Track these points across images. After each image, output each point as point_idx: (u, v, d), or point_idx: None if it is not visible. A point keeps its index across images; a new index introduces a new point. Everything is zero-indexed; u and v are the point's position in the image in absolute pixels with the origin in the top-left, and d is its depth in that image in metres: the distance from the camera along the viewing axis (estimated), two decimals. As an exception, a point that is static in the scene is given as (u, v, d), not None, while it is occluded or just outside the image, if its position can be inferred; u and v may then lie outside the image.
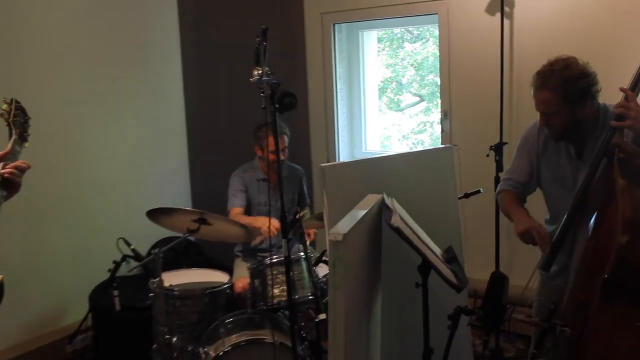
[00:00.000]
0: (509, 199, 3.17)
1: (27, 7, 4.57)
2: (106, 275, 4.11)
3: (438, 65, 5.00)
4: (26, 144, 2.42)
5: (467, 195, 3.84)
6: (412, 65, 5.97)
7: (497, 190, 3.35)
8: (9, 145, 2.33)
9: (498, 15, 4.41)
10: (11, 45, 4.45)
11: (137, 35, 5.45)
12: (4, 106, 2.41)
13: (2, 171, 2.22)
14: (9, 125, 2.39)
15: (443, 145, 4.26)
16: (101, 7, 5.11)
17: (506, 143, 4.12)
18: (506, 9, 4.43)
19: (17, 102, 2.45)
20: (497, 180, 3.99)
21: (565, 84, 2.81)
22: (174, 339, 3.81)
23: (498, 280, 2.55)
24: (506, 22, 4.43)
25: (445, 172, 3.28)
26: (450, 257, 2.70)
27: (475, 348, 4.04)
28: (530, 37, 4.42)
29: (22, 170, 2.28)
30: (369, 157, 4.33)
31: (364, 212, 2.47)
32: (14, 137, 2.37)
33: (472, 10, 4.65)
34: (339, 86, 5.51)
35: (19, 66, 4.48)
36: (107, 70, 5.19)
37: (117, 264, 4.07)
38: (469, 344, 3.49)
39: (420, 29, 5.64)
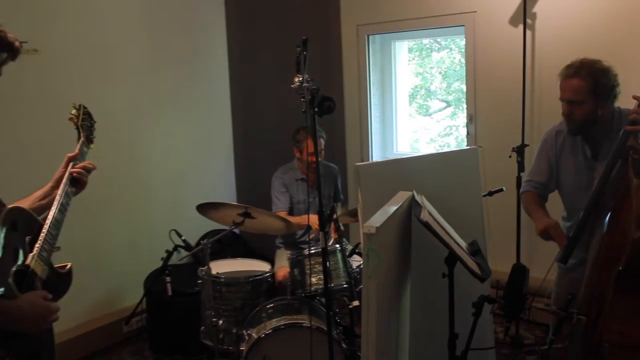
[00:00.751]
0: (531, 200, 3.16)
1: (90, 20, 4.64)
2: (159, 263, 4.13)
3: (464, 73, 4.97)
4: (92, 146, 2.44)
5: (490, 193, 3.81)
6: (439, 73, 5.94)
7: (520, 191, 3.35)
8: (77, 147, 2.35)
9: (521, 26, 4.37)
10: (76, 54, 4.52)
11: (189, 46, 5.49)
12: (73, 111, 2.43)
13: (72, 170, 2.23)
14: (77, 128, 2.41)
15: (469, 147, 4.23)
16: (156, 18, 5.16)
17: (527, 145, 4.08)
18: (528, 20, 4.38)
19: (84, 107, 2.46)
20: (518, 179, 3.95)
21: (595, 75, 2.82)
22: (220, 322, 3.84)
23: (519, 271, 2.54)
24: (528, 33, 4.39)
25: (470, 171, 3.26)
26: (475, 249, 2.69)
27: (496, 335, 4.01)
28: (550, 47, 4.37)
29: (88, 170, 2.29)
30: (400, 157, 4.32)
31: (395, 207, 2.47)
32: (81, 139, 2.38)
33: (496, 22, 4.61)
34: (372, 92, 5.50)
35: (83, 74, 4.54)
36: (161, 77, 5.24)
37: (170, 253, 4.09)
38: (491, 330, 3.46)
39: (447, 40, 5.61)
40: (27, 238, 1.99)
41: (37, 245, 1.97)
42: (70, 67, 4.46)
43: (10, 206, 1.98)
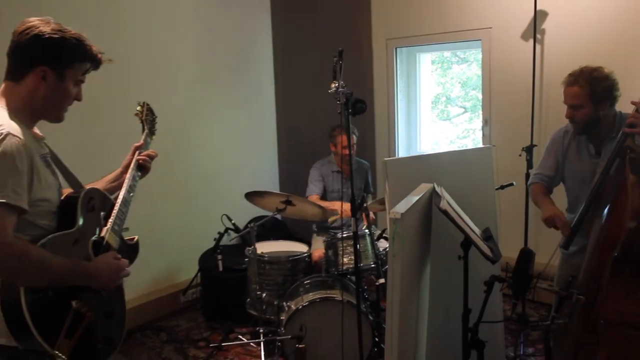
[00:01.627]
0: (538, 190, 3.15)
1: (155, 33, 4.72)
2: (212, 243, 4.19)
3: (480, 83, 4.94)
4: (154, 137, 2.48)
5: (502, 187, 3.79)
6: (459, 82, 5.90)
7: (529, 182, 3.33)
8: (142, 138, 2.39)
9: (531, 41, 4.33)
10: (142, 61, 4.61)
11: (240, 55, 5.54)
12: (138, 107, 2.48)
13: (138, 157, 2.28)
14: (142, 122, 2.45)
15: (483, 146, 4.21)
16: (211, 30, 5.22)
17: (536, 145, 4.04)
18: (538, 36, 4.35)
19: (147, 104, 2.50)
20: (527, 175, 3.92)
21: (592, 82, 2.82)
22: (264, 295, 3.89)
23: (526, 254, 2.53)
24: (538, 46, 4.35)
25: (484, 167, 3.25)
26: (487, 235, 2.69)
27: (505, 312, 4.00)
28: (557, 58, 4.32)
29: (152, 157, 2.33)
30: (423, 154, 4.32)
31: (418, 197, 2.48)
32: (145, 131, 2.43)
33: (509, 37, 4.57)
34: (399, 98, 5.49)
35: (148, 78, 4.62)
36: (215, 81, 5.29)
37: (221, 235, 4.14)
38: (500, 308, 3.45)
39: (466, 53, 5.57)
40: (102, 214, 2.05)
41: (110, 220, 2.04)
42: (136, 72, 4.54)
43: (88, 187, 2.04)
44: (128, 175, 2.20)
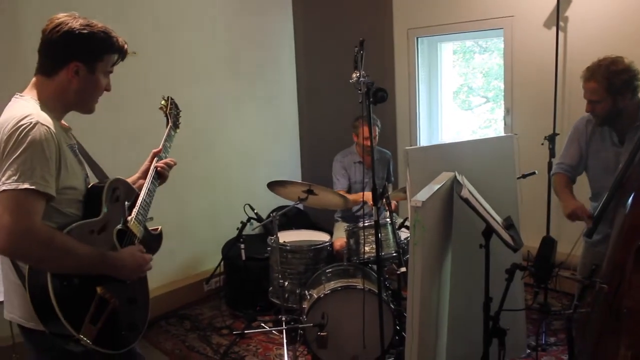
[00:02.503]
0: (560, 182, 3.12)
1: (179, 29, 4.76)
2: (235, 232, 4.21)
3: (502, 73, 4.88)
4: (178, 130, 2.51)
5: (524, 176, 3.75)
6: (480, 72, 5.85)
7: (551, 172, 3.29)
8: (166, 132, 2.42)
9: (554, 29, 4.26)
10: (166, 56, 4.64)
11: (261, 48, 5.55)
12: (162, 102, 2.51)
13: (157, 165, 2.29)
14: (166, 116, 2.48)
15: (505, 134, 4.17)
16: (234, 25, 5.23)
17: (558, 134, 3.99)
18: (561, 23, 4.28)
19: (171, 98, 2.54)
20: (549, 164, 3.88)
21: (609, 77, 2.76)
22: (286, 283, 3.92)
23: (548, 241, 2.50)
24: (561, 34, 4.28)
25: (506, 156, 3.23)
26: (509, 224, 2.67)
27: (526, 302, 3.96)
28: (580, 46, 4.26)
29: (170, 166, 2.34)
30: (444, 143, 4.29)
31: (439, 185, 2.48)
32: (169, 125, 2.45)
33: (532, 25, 4.51)
34: (420, 88, 5.47)
35: (172, 73, 4.65)
36: (238, 74, 5.31)
37: (244, 224, 4.17)
38: (522, 297, 3.43)
39: (488, 42, 5.52)
40: (127, 204, 2.08)
41: (134, 210, 2.07)
42: (162, 66, 4.58)
43: (113, 178, 2.07)
44: (147, 181, 2.22)
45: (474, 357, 2.71)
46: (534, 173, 3.81)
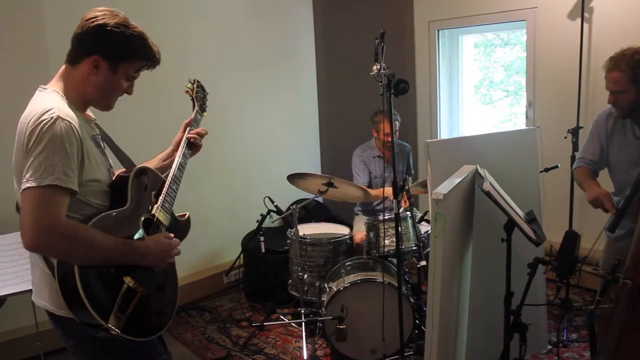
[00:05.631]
0: (583, 173, 3.07)
1: (205, 22, 4.78)
2: (254, 225, 4.23)
3: (523, 67, 4.83)
4: (205, 114, 2.49)
5: (546, 170, 3.72)
6: (501, 66, 5.79)
7: (573, 167, 3.25)
8: (193, 114, 2.41)
9: (578, 20, 4.21)
10: (191, 49, 4.68)
11: (282, 42, 5.57)
12: (189, 85, 2.50)
13: (188, 135, 2.30)
14: (192, 99, 2.47)
15: (528, 127, 4.14)
16: (255, 20, 5.25)
17: (582, 127, 3.95)
18: (586, 14, 4.23)
19: (198, 81, 2.53)
20: (572, 158, 3.84)
21: (634, 66, 2.71)
22: (305, 276, 3.94)
23: (572, 235, 2.48)
24: (585, 26, 4.23)
25: (529, 149, 3.20)
26: (531, 218, 2.66)
27: (547, 297, 3.94)
28: (606, 38, 4.20)
29: (201, 135, 2.35)
30: (465, 136, 4.26)
31: (461, 178, 2.47)
32: (196, 108, 2.44)
33: (555, 16, 4.45)
34: (441, 81, 5.44)
35: (196, 65, 4.69)
36: (259, 68, 5.32)
37: (263, 217, 4.19)
38: (544, 292, 3.41)
39: (509, 35, 5.46)
40: (153, 192, 2.10)
41: (160, 197, 2.08)
42: (185, 55, 4.61)
43: (139, 166, 2.09)
44: (178, 153, 2.23)
45: (494, 351, 2.70)
46: (556, 167, 3.78)
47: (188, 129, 2.33)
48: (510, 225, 2.48)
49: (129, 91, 1.99)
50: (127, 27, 1.87)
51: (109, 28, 1.83)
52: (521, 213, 2.64)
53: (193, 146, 2.32)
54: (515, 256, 2.56)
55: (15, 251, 2.77)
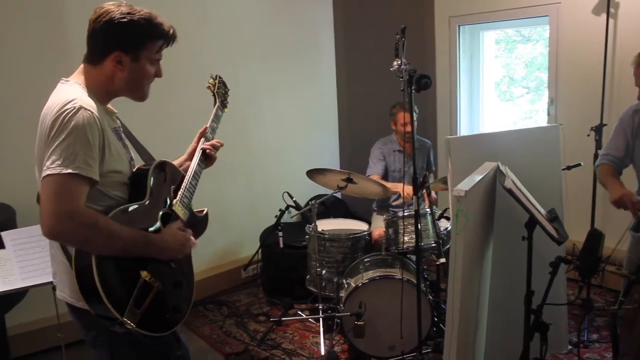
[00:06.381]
0: (606, 171, 3.03)
1: (222, 15, 4.78)
2: (273, 220, 4.23)
3: (544, 63, 4.77)
4: (226, 110, 2.48)
5: (569, 168, 3.68)
6: (523, 62, 5.73)
7: (596, 164, 3.21)
8: (214, 111, 2.40)
9: (603, 15, 4.15)
10: (209, 43, 4.70)
11: (301, 34, 5.55)
12: (210, 80, 2.49)
13: (203, 146, 2.27)
14: (214, 95, 2.46)
15: (551, 124, 4.09)
16: (275, 12, 5.25)
17: (605, 124, 3.89)
18: (612, 10, 4.16)
19: (220, 77, 2.52)
20: (596, 156, 3.79)
21: None
22: (323, 271, 3.93)
23: (595, 234, 2.45)
24: (611, 21, 4.16)
25: (551, 146, 3.16)
26: (553, 216, 2.62)
27: (568, 297, 3.89)
28: (632, 34, 4.13)
29: (216, 148, 2.31)
30: (486, 133, 4.22)
31: (482, 175, 2.45)
32: (217, 104, 2.43)
33: (579, 11, 4.39)
34: (461, 78, 5.39)
35: (211, 54, 4.69)
36: (275, 56, 5.30)
37: (282, 212, 4.19)
38: (564, 292, 3.37)
39: (531, 32, 5.39)
40: (172, 187, 2.10)
41: (180, 192, 2.08)
42: (203, 49, 4.63)
43: (158, 160, 2.09)
44: (192, 164, 2.20)
45: (514, 350, 2.68)
46: (579, 165, 3.73)
47: (202, 139, 2.30)
48: (532, 223, 2.45)
49: (158, 74, 1.99)
50: (132, 14, 1.86)
51: (116, 21, 1.83)
52: (543, 211, 2.61)
53: (207, 158, 2.28)
54: (536, 255, 2.53)
55: (36, 243, 2.79)
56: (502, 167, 2.61)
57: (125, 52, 1.87)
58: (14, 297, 3.08)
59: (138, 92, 1.97)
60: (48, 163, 1.68)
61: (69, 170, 1.67)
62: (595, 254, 2.42)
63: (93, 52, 1.89)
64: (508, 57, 5.73)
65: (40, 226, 1.67)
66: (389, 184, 4.19)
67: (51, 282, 2.01)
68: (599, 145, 3.82)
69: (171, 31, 1.96)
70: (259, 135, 5.21)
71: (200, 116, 2.39)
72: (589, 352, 3.58)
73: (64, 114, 1.71)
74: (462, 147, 2.84)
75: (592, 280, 3.89)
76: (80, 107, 1.73)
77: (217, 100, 2.44)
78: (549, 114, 4.76)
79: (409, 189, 3.70)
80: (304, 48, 5.61)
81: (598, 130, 3.86)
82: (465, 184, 2.24)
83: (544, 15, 4.67)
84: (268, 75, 5.24)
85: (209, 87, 2.48)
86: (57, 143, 1.69)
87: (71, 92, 1.79)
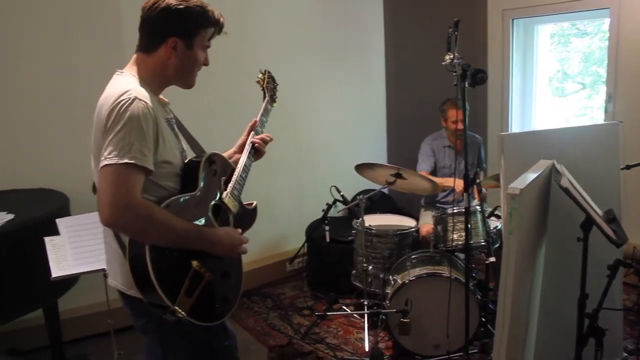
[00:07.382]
0: None
1: (274, 11, 4.81)
2: (320, 214, 4.25)
3: (602, 58, 4.61)
4: (275, 104, 2.50)
5: (629, 167, 3.55)
6: (579, 57, 5.56)
7: None
8: (263, 105, 2.42)
9: (670, 8, 3.99)
10: (260, 37, 4.72)
11: (352, 31, 5.53)
12: (260, 75, 2.52)
13: (252, 140, 2.29)
14: (263, 89, 2.49)
15: (610, 122, 3.96)
16: (325, 9, 5.24)
17: (668, 123, 3.76)
18: (677, 3, 4.00)
19: (269, 72, 2.54)
20: (657, 156, 3.66)
21: None
22: (370, 267, 3.91)
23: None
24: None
25: (610, 145, 3.05)
26: (611, 217, 2.53)
27: (623, 302, 3.77)
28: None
29: (266, 142, 2.34)
30: (541, 129, 4.12)
31: (537, 174, 2.39)
32: (266, 99, 2.46)
33: (643, 4, 4.23)
34: (514, 72, 5.27)
35: (264, 53, 4.73)
36: (325, 51, 5.30)
37: (329, 206, 4.20)
38: (620, 297, 3.26)
39: (587, 25, 5.22)
40: (223, 179, 2.12)
41: (230, 184, 2.11)
42: (254, 45, 4.65)
43: (209, 152, 2.11)
44: (242, 157, 2.23)
45: (565, 355, 2.60)
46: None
47: (252, 133, 2.32)
48: (588, 223, 2.37)
49: (206, 62, 2.03)
50: (188, 1, 1.89)
51: (174, 8, 1.87)
52: (600, 212, 2.52)
53: (256, 152, 2.31)
54: (591, 257, 2.45)
55: (90, 231, 2.85)
56: (557, 166, 2.54)
57: (182, 37, 1.90)
58: (67, 282, 3.17)
59: (188, 80, 2.01)
60: (105, 153, 1.72)
61: (125, 160, 1.70)
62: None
63: (148, 39, 1.93)
64: (562, 51, 5.58)
65: (96, 214, 1.71)
66: (439, 179, 4.13)
67: (103, 270, 2.06)
68: (660, 144, 3.69)
69: (221, 20, 1.99)
70: (307, 130, 5.22)
71: (248, 109, 2.40)
72: (645, 359, 3.47)
73: (119, 105, 1.74)
74: (515, 144, 2.77)
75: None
76: (135, 98, 1.76)
77: (267, 94, 2.47)
78: (606, 111, 4.60)
79: (460, 183, 3.65)
80: (354, 43, 5.58)
81: (659, 128, 3.72)
82: (520, 182, 2.19)
83: (604, 8, 4.51)
84: (317, 71, 5.24)
85: (258, 82, 2.50)
86: (113, 134, 1.72)
87: (126, 84, 1.83)
